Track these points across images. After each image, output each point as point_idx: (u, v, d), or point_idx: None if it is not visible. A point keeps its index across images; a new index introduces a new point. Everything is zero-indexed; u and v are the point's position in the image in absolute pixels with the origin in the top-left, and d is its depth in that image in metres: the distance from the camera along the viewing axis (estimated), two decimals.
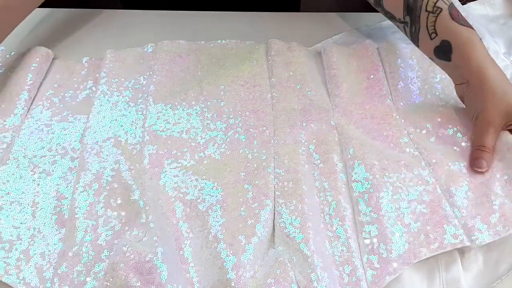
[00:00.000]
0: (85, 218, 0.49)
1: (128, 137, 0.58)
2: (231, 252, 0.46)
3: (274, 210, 0.51)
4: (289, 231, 0.48)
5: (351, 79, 0.64)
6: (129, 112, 0.61)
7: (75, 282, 0.46)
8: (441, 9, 0.58)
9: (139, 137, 0.58)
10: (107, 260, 0.47)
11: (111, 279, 0.44)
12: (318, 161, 0.55)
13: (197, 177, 0.53)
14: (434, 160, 0.55)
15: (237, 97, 0.62)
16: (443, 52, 0.58)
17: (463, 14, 0.59)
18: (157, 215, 0.50)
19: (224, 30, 0.75)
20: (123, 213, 0.51)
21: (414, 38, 0.61)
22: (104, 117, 0.60)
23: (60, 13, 0.78)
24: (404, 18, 0.62)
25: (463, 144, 0.56)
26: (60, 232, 0.50)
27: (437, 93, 0.63)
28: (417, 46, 0.62)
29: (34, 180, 0.54)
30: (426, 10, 0.58)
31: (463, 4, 0.77)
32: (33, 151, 0.57)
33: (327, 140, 0.57)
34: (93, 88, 0.65)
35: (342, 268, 0.47)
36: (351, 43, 0.70)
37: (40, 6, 0.67)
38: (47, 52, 0.68)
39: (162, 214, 0.49)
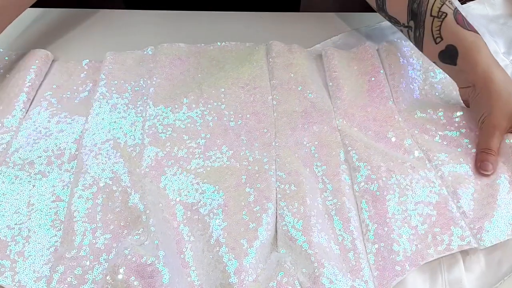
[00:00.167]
0: (83, 222, 0.49)
1: (128, 139, 0.57)
2: (233, 256, 0.46)
3: (276, 213, 0.50)
4: (292, 234, 0.48)
5: (352, 81, 0.64)
6: (129, 114, 0.61)
7: (73, 285, 0.45)
8: (446, 14, 0.58)
9: (139, 139, 0.57)
10: (106, 264, 0.46)
11: (112, 282, 0.43)
12: (321, 163, 0.55)
13: (198, 180, 0.53)
14: (439, 162, 0.55)
15: (237, 99, 0.62)
16: (448, 57, 0.58)
17: (462, 13, 0.59)
18: (158, 218, 0.49)
19: (224, 30, 0.74)
20: (122, 217, 0.50)
21: (418, 43, 0.62)
22: (103, 119, 0.59)
23: (60, 13, 0.78)
24: (408, 23, 0.62)
25: (467, 145, 0.56)
26: (56, 235, 0.49)
27: (437, 93, 0.63)
28: (420, 50, 0.62)
29: (30, 181, 0.54)
30: (431, 15, 0.59)
31: (462, 3, 0.76)
32: (30, 152, 0.56)
33: (329, 142, 0.57)
34: (92, 90, 0.64)
35: (348, 269, 0.46)
36: (351, 45, 0.70)
37: (40, 6, 0.67)
38: (47, 54, 0.68)
39: (163, 217, 0.49)
